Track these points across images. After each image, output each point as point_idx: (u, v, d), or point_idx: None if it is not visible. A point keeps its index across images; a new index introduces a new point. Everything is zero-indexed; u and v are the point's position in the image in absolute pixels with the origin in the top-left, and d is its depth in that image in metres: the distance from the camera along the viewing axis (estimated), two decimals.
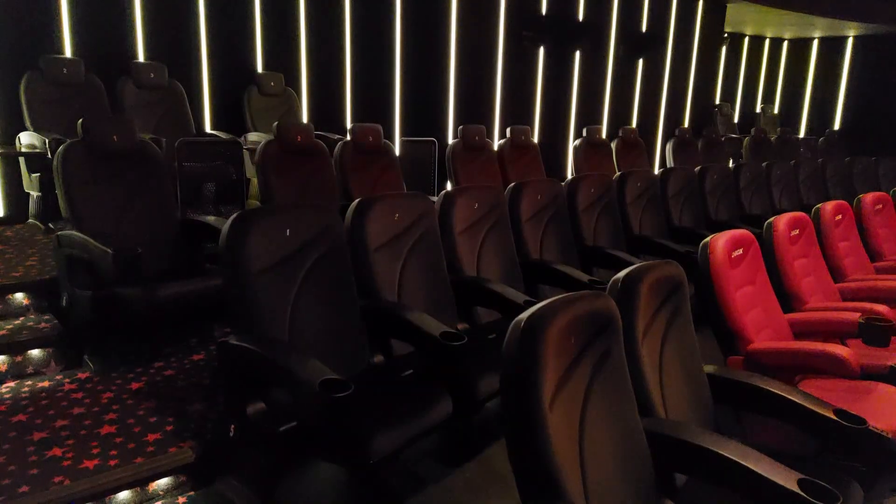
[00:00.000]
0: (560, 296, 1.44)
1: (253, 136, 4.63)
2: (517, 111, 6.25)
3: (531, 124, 6.34)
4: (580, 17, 6.63)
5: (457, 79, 5.95)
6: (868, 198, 4.01)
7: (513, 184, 3.23)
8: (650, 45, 6.96)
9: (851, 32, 9.05)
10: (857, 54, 9.35)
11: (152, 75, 4.48)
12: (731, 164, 5.89)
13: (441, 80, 5.92)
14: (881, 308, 2.56)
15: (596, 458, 1.40)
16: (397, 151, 5.44)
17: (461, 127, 4.76)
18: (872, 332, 2.32)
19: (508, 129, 5.11)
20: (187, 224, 2.97)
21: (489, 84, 6.09)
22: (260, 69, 5.22)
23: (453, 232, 2.79)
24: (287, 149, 3.60)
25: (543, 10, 6.41)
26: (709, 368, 1.99)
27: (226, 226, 2.02)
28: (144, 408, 2.33)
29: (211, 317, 2.97)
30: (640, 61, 7.01)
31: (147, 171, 2.91)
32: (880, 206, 4.05)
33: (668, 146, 6.18)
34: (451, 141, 4.92)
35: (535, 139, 6.26)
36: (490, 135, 5.79)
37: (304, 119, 5.41)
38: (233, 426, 2.04)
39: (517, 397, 1.30)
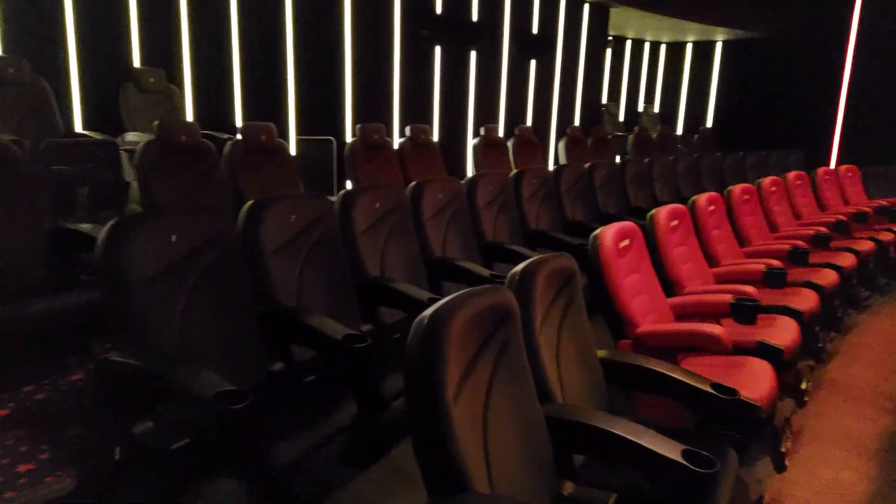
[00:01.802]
0: (461, 292, 1.48)
1: (131, 137, 4.34)
2: (416, 110, 6.30)
3: (430, 123, 6.42)
4: (474, 18, 6.79)
5: (354, 76, 5.90)
6: (736, 189, 4.44)
7: (414, 182, 3.26)
8: (541, 47, 7.26)
9: (720, 37, 9.95)
10: (725, 58, 10.28)
11: (11, 70, 4.07)
12: (617, 160, 6.28)
13: (337, 77, 5.84)
14: (749, 289, 2.84)
15: (499, 446, 1.45)
16: (293, 151, 5.31)
17: (360, 125, 4.73)
18: (742, 311, 2.57)
19: (408, 128, 5.14)
20: (58, 233, 2.73)
21: (387, 82, 6.09)
22: (137, 63, 4.89)
23: (355, 232, 2.77)
24: (170, 149, 3.42)
25: (438, 10, 6.50)
26: (601, 353, 2.12)
27: (102, 233, 1.88)
28: (13, 437, 2.12)
29: (89, 333, 2.76)
30: (533, 62, 7.30)
31: (6, 177, 2.65)
32: (747, 196, 4.50)
33: (561, 144, 6.48)
34: (349, 139, 4.87)
35: (435, 138, 6.34)
36: (390, 133, 5.79)
37: (189, 117, 5.14)
38: (118, 448, 1.91)
39: (421, 393, 1.32)
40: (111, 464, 1.95)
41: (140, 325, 1.87)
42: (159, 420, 1.85)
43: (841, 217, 4.99)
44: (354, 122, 5.67)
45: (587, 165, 4.88)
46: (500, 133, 6.36)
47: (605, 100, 9.24)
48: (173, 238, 2.00)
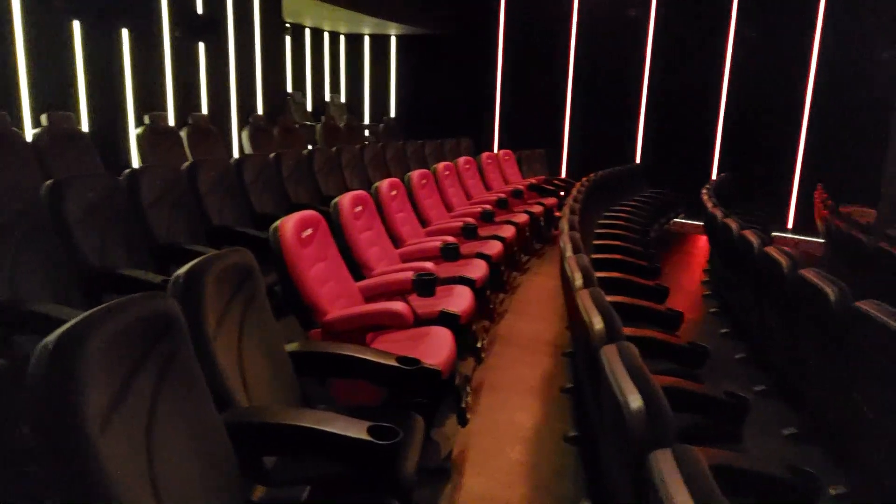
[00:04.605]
0: (99, 307, 1.30)
1: None
2: (55, 95, 5.35)
3: (76, 110, 5.53)
4: None
5: None
6: (415, 174, 4.87)
7: (50, 182, 2.77)
8: (208, 29, 6.85)
9: (394, 32, 10.76)
10: (400, 51, 11.19)
11: None
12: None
13: None
14: (428, 265, 3.15)
15: (169, 469, 1.33)
16: None
17: None
18: (422, 285, 2.84)
19: (44, 117, 4.34)
20: None
21: (7, 62, 5.03)
22: None
23: None
24: None
25: None
26: (291, 346, 2.11)
27: None
28: None
29: None
30: (202, 45, 6.84)
31: None
32: (425, 181, 4.97)
33: (244, 134, 6.26)
34: None
35: (85, 127, 5.50)
36: (19, 124, 4.83)
37: None
38: None
39: (53, 430, 1.13)
40: None
41: None
42: None
43: (502, 195, 5.88)
44: None
45: (272, 155, 4.81)
46: (171, 122, 5.84)
47: (290, 89, 9.22)
48: None
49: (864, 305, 2.19)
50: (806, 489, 1.63)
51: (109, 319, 1.27)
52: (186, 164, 3.87)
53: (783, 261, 2.90)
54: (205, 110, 6.89)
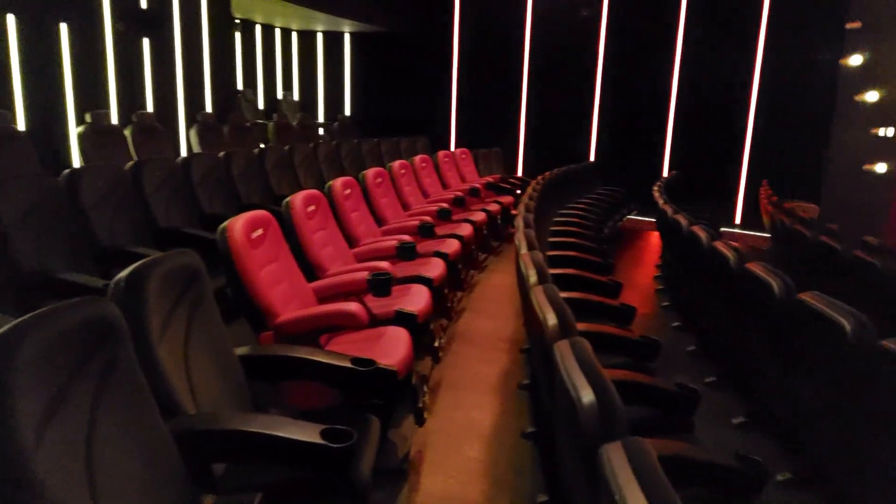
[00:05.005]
0: (28, 315, 1.24)
1: None
2: None
3: (12, 108, 5.29)
4: None
5: None
6: (370, 173, 4.83)
7: None
8: (153, 24, 6.64)
9: (348, 29, 10.65)
10: (355, 49, 11.08)
11: None
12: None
13: None
14: (383, 264, 3.13)
15: (111, 478, 1.28)
16: None
17: None
18: (377, 285, 2.81)
19: None
20: None
21: None
22: None
23: None
24: None
25: None
26: (241, 350, 2.06)
27: None
28: None
29: None
30: (147, 41, 6.63)
31: None
32: (380, 179, 4.94)
33: (192, 132, 6.09)
34: None
35: (22, 126, 5.27)
36: None
37: None
38: None
39: None
40: None
41: None
42: None
43: (459, 193, 5.90)
44: None
45: (222, 154, 4.70)
46: (114, 120, 5.64)
47: (240, 86, 9.02)
48: None
49: (806, 297, 2.27)
50: (753, 476, 1.68)
51: (43, 326, 1.22)
52: (130, 163, 3.74)
53: (730, 255, 2.99)
54: (150, 108, 6.67)
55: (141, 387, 1.47)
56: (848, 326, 2.00)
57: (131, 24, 6.36)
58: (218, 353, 1.91)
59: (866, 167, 7.85)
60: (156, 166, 3.81)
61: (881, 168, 7.78)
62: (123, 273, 1.66)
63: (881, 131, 7.75)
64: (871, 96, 7.71)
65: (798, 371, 2.44)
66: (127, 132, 5.31)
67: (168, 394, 1.60)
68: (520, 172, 9.95)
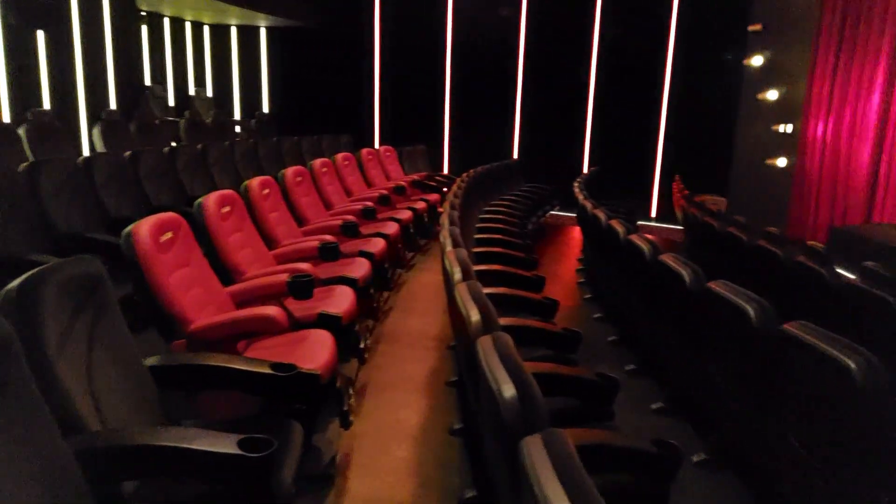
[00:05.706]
0: None
1: None
2: None
3: None
4: None
5: None
6: (289, 172, 4.72)
7: None
8: (49, 15, 6.21)
9: (263, 23, 10.35)
10: (271, 44, 10.78)
11: None
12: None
13: None
14: (304, 266, 3.06)
15: None
16: None
17: None
18: (298, 287, 2.75)
19: None
20: None
21: None
22: None
23: None
24: None
25: None
26: (151, 360, 1.96)
27: None
28: None
29: None
30: (41, 34, 6.19)
31: None
32: (300, 178, 4.83)
33: (95, 130, 5.75)
34: None
35: None
36: None
37: None
38: None
39: None
40: None
41: None
42: None
43: (384, 192, 5.86)
44: None
45: (128, 154, 4.46)
46: (6, 118, 5.24)
47: (148, 82, 8.60)
48: None
49: (714, 285, 2.41)
50: (669, 459, 1.76)
51: None
52: (25, 164, 3.48)
53: (645, 247, 3.12)
54: (47, 105, 6.24)
55: (37, 406, 1.37)
56: (752, 312, 2.14)
57: (23, 15, 5.92)
58: (125, 364, 1.81)
59: (768, 161, 8.42)
60: (55, 167, 3.57)
61: (782, 162, 8.36)
62: (14, 283, 1.54)
63: (781, 128, 8.34)
64: (772, 95, 8.27)
65: (709, 356, 2.58)
66: (21, 131, 4.95)
67: (68, 410, 1.50)
68: (446, 170, 10.01)
